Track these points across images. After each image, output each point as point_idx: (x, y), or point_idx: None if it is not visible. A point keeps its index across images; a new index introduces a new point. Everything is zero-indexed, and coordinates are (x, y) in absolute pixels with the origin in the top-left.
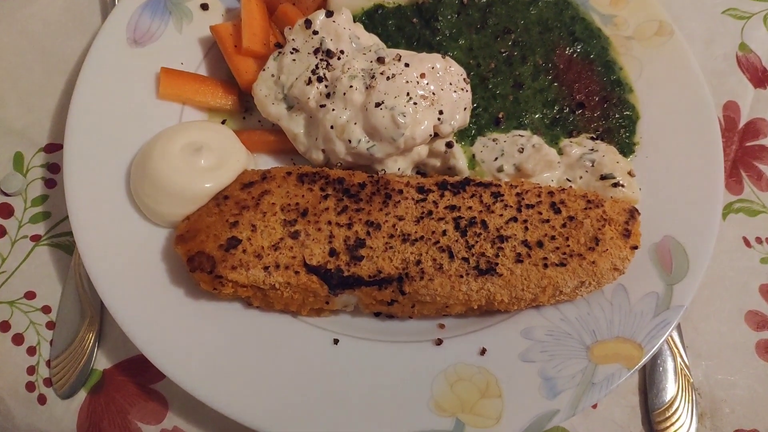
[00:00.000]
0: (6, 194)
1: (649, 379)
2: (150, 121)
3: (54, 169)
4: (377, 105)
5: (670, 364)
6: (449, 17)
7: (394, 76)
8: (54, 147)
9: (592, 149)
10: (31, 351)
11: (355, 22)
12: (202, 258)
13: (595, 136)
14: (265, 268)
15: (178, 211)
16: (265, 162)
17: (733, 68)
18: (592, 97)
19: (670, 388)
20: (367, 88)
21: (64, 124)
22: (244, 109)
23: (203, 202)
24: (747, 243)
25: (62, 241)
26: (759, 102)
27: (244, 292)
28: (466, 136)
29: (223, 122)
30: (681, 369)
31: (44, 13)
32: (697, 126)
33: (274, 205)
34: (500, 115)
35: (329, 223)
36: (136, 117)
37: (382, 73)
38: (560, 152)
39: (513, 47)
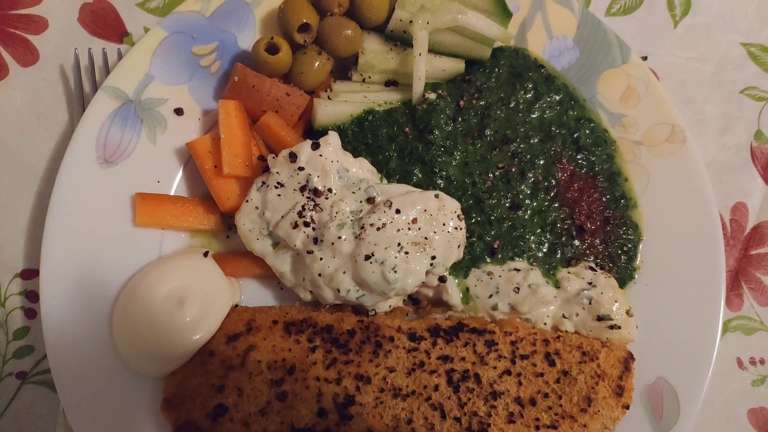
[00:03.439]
0: None
1: None
2: (129, 248)
3: (33, 297)
4: (367, 258)
5: None
6: (444, 125)
7: (384, 225)
8: (30, 273)
9: (590, 282)
10: None
11: (343, 132)
12: (189, 429)
13: (594, 267)
14: None
15: (164, 369)
16: (252, 285)
17: (746, 162)
18: (593, 219)
19: None
20: (356, 237)
21: (38, 245)
22: (227, 227)
23: (190, 356)
24: (740, 364)
25: (49, 379)
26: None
27: None
28: (459, 267)
29: (205, 254)
30: None
31: (4, 108)
32: (702, 252)
33: (260, 363)
34: (495, 245)
35: (317, 379)
36: (114, 246)
37: (372, 224)
38: (557, 284)
39: (512, 159)
